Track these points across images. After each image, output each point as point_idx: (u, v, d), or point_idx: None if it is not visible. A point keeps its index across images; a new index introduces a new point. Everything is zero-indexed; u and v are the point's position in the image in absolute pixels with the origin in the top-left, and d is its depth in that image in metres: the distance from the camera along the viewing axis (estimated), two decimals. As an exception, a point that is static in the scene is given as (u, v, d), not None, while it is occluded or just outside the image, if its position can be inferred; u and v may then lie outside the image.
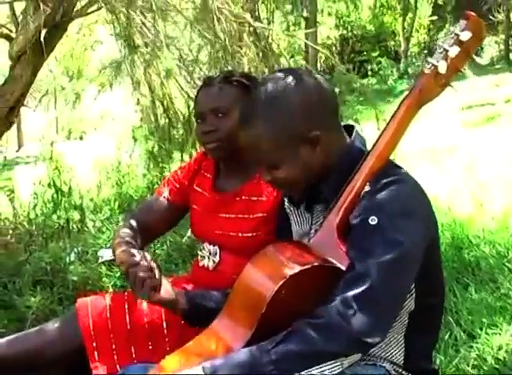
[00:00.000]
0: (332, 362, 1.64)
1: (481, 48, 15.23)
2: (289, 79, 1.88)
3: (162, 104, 4.41)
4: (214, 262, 2.39)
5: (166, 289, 2.00)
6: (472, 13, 1.82)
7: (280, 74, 1.92)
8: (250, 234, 2.33)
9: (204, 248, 2.46)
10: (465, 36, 1.79)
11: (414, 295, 1.83)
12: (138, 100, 4.72)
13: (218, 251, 2.39)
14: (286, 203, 2.12)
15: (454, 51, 1.79)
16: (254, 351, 1.66)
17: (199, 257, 2.48)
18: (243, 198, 2.38)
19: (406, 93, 1.87)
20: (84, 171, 6.80)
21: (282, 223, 2.15)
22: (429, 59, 1.82)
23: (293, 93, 1.85)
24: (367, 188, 1.80)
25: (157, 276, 1.96)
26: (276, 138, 1.84)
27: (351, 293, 1.65)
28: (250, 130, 1.89)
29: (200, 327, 2.31)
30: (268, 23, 6.13)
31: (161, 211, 2.51)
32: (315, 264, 1.75)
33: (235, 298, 1.92)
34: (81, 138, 12.67)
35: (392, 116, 1.85)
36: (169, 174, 2.67)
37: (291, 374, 1.61)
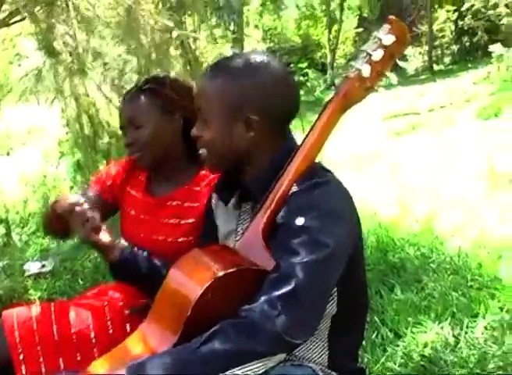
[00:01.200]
0: (256, 362, 1.62)
1: (406, 59, 15.51)
2: (268, 61, 1.91)
3: (87, 114, 4.37)
4: None
5: (105, 234, 2.07)
6: (395, 18, 1.84)
7: (265, 55, 1.94)
8: (180, 240, 2.34)
9: None
10: (388, 40, 1.81)
11: (335, 299, 1.84)
12: (62, 110, 4.66)
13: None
14: (213, 200, 2.13)
15: (378, 55, 1.81)
16: (180, 350, 1.66)
17: None
18: (175, 203, 2.38)
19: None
20: (11, 186, 6.69)
21: (208, 225, 2.16)
22: (353, 63, 1.83)
23: (261, 72, 1.87)
24: (294, 189, 1.80)
25: (98, 220, 2.02)
26: (221, 97, 1.87)
27: (276, 293, 1.64)
28: (207, 77, 1.93)
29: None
30: (194, 39, 6.14)
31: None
32: (241, 267, 1.75)
33: (161, 301, 1.90)
34: (8, 154, 12.39)
35: (317, 119, 1.86)
36: (102, 169, 2.63)
37: (215, 373, 1.59)
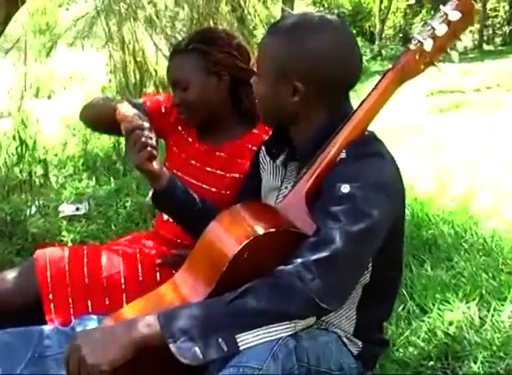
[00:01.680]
0: (286, 323, 1.64)
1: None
2: (331, 27, 1.85)
3: (135, 60, 4.36)
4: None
5: (158, 163, 2.04)
6: None
7: (330, 20, 1.86)
8: (222, 192, 2.35)
9: None
10: (454, 16, 1.77)
11: (370, 269, 1.85)
12: (110, 55, 4.66)
13: None
14: (262, 154, 2.14)
15: (442, 30, 1.78)
16: (212, 303, 1.67)
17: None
18: (223, 154, 2.39)
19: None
20: (51, 128, 6.74)
21: (251, 178, 2.17)
22: (416, 36, 1.80)
23: (317, 39, 1.82)
24: (343, 155, 1.80)
25: (157, 148, 2.01)
26: (272, 57, 1.86)
27: (312, 257, 1.65)
28: (267, 33, 1.91)
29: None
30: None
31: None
32: (281, 228, 1.76)
33: (198, 252, 1.91)
34: (49, 97, 12.49)
35: (373, 88, 1.83)
36: (159, 94, 2.61)
37: (246, 330, 1.61)
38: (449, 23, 1.78)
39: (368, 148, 1.79)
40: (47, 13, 8.01)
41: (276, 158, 2.02)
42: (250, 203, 1.98)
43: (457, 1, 1.79)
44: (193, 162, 2.42)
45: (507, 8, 16.46)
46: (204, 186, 2.36)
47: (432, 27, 1.78)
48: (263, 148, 2.12)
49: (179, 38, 4.18)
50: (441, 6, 1.81)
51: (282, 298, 1.63)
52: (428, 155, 6.35)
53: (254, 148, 2.30)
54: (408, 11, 16.97)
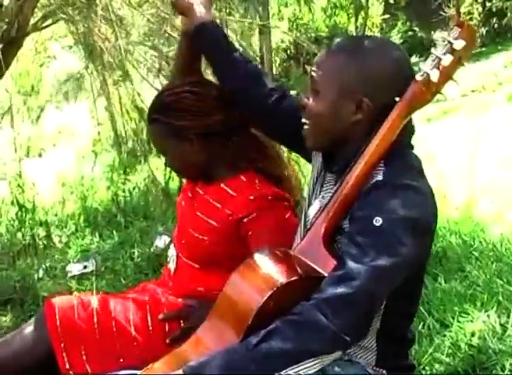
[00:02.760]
0: (313, 359, 1.63)
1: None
2: (393, 47, 1.91)
3: (123, 116, 4.40)
4: (173, 268, 2.39)
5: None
6: (466, 21, 1.80)
7: (387, 41, 2.02)
8: (198, 235, 2.29)
9: (170, 249, 2.46)
10: (459, 44, 1.76)
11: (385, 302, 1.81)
12: (96, 113, 4.71)
13: (175, 257, 2.38)
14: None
15: (447, 59, 1.77)
16: (236, 349, 1.66)
17: (169, 257, 2.46)
18: (206, 197, 2.35)
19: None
20: (46, 187, 6.75)
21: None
22: (422, 66, 1.79)
23: (385, 57, 1.84)
24: (379, 177, 1.77)
25: None
26: (339, 74, 1.85)
27: (336, 292, 1.64)
28: (330, 51, 1.92)
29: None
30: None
31: None
32: (302, 275, 1.74)
33: (220, 308, 1.88)
34: (40, 155, 12.53)
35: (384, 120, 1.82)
36: None
37: (273, 373, 1.60)
38: (453, 51, 1.77)
39: (409, 179, 1.77)
40: (29, 74, 8.07)
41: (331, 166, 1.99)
42: (269, 251, 1.91)
43: (460, 28, 1.78)
44: (198, 190, 2.41)
45: (481, 9, 16.57)
46: (190, 230, 2.33)
47: (438, 57, 1.77)
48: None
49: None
50: (445, 35, 1.80)
51: (305, 336, 1.62)
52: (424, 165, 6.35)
53: (239, 197, 2.26)
54: (384, 25, 17.07)
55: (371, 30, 17.38)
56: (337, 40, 1.96)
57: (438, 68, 1.77)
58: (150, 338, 2.23)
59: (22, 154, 8.83)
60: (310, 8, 14.97)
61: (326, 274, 1.72)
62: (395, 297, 1.77)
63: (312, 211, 1.96)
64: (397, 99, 1.79)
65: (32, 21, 4.30)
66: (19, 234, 5.22)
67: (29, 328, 2.31)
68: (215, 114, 2.27)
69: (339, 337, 1.61)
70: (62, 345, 2.20)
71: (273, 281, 1.72)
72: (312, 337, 1.61)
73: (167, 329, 2.25)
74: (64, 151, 10.73)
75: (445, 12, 16.15)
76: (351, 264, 1.66)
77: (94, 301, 2.32)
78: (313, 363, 1.63)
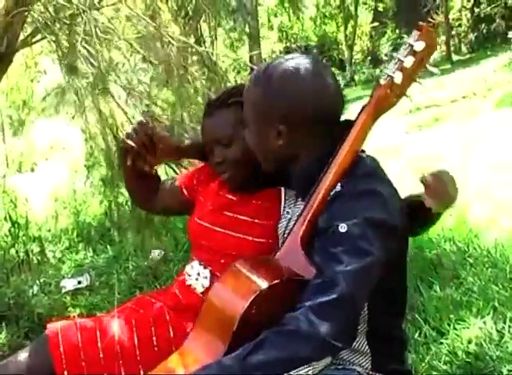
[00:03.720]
0: (305, 366, 1.63)
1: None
2: (301, 65, 1.90)
3: (111, 130, 4.39)
4: (203, 286, 2.31)
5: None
6: (424, 24, 1.84)
7: (298, 59, 1.93)
8: (256, 240, 2.26)
9: (192, 267, 2.41)
10: (419, 46, 1.81)
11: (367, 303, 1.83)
12: (83, 127, 4.70)
13: (208, 275, 2.31)
14: None
15: (409, 61, 1.81)
16: (227, 362, 1.66)
17: (186, 275, 2.39)
18: (259, 202, 2.32)
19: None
20: (39, 202, 6.73)
21: None
22: (385, 70, 1.84)
23: (291, 80, 1.87)
24: (338, 188, 1.81)
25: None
26: (253, 106, 1.93)
27: (319, 300, 1.65)
28: (246, 86, 1.99)
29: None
30: (212, 42, 6.14)
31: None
32: (283, 278, 1.76)
33: (205, 317, 1.91)
34: (32, 170, 12.51)
35: (352, 125, 1.86)
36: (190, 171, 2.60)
37: None
38: (414, 53, 1.82)
39: (365, 185, 1.79)
40: (19, 89, 8.07)
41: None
42: (249, 258, 1.98)
43: (419, 31, 1.83)
44: (226, 213, 2.38)
45: (469, 15, 16.65)
46: (239, 235, 2.29)
47: (400, 60, 1.82)
48: None
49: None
50: (405, 38, 1.87)
51: (294, 344, 1.63)
52: (412, 173, 6.36)
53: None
54: (373, 33, 17.14)
55: (360, 39, 17.51)
56: (254, 70, 2.03)
57: (400, 70, 1.82)
58: (155, 357, 2.19)
59: (14, 169, 8.82)
60: (299, 18, 15.02)
61: (306, 276, 1.75)
62: (375, 297, 1.79)
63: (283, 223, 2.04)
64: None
65: (21, 37, 4.30)
66: (13, 250, 5.19)
67: (29, 353, 2.26)
68: None
69: (327, 343, 1.63)
70: (66, 373, 2.16)
71: (255, 286, 1.75)
72: (301, 345, 1.62)
73: (174, 348, 2.23)
74: (56, 165, 10.70)
75: (434, 19, 16.20)
76: (328, 272, 1.68)
77: (96, 325, 2.28)
78: (305, 370, 1.64)
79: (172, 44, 4.09)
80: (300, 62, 1.91)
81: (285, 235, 1.95)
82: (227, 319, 1.76)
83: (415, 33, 1.83)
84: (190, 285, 2.35)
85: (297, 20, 15.84)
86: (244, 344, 1.67)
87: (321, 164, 1.86)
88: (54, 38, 3.83)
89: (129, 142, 2.32)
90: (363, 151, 1.91)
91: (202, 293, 2.32)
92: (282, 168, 1.98)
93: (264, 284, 1.74)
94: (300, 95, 1.86)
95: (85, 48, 3.75)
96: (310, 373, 1.65)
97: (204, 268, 2.33)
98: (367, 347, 1.89)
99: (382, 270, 1.76)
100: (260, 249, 2.20)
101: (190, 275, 2.37)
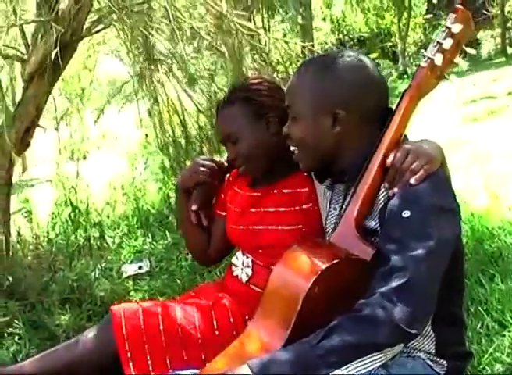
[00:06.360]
0: (377, 353, 1.69)
1: (478, 44, 15.16)
2: (354, 56, 1.98)
3: (178, 117, 4.43)
4: (247, 275, 2.39)
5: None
6: (459, 6, 1.92)
7: (349, 52, 2.01)
8: (293, 227, 2.31)
9: (237, 258, 2.47)
10: (456, 28, 1.89)
11: None
12: (150, 114, 4.75)
13: (250, 263, 2.39)
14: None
15: (448, 43, 1.89)
16: (300, 347, 1.71)
17: (233, 265, 2.48)
18: (284, 191, 2.37)
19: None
20: (96, 189, 6.81)
21: None
22: (425, 53, 1.91)
23: (348, 69, 1.95)
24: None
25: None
26: (309, 93, 1.96)
27: (390, 286, 1.70)
28: (297, 74, 2.03)
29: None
30: (265, 32, 6.15)
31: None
32: (342, 257, 1.82)
33: (268, 299, 1.95)
34: (84, 158, 12.66)
35: (394, 111, 1.93)
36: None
37: (337, 367, 1.65)
38: (453, 35, 1.90)
39: None
40: (80, 77, 8.19)
41: (322, 181, 2.10)
42: (306, 240, 2.04)
43: (455, 14, 1.91)
44: (252, 210, 2.43)
45: (525, 7, 16.33)
46: (271, 227, 2.35)
47: (439, 43, 1.90)
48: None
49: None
50: (443, 22, 1.96)
51: (369, 330, 1.67)
52: (471, 167, 6.32)
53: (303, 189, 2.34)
54: (427, 25, 16.92)
55: (413, 30, 17.33)
56: (303, 62, 2.10)
57: (440, 52, 1.89)
58: (217, 342, 2.24)
59: (66, 156, 8.93)
60: (359, 10, 14.92)
61: (363, 256, 1.81)
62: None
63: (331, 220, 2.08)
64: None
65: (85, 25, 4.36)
66: (73, 235, 5.30)
67: (93, 334, 2.36)
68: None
69: (400, 329, 1.67)
70: (129, 355, 2.23)
71: (317, 266, 1.80)
72: (374, 330, 1.67)
73: (234, 332, 2.27)
74: (110, 153, 10.82)
75: (488, 11, 15.99)
76: (396, 258, 1.73)
77: (158, 309, 2.35)
78: (377, 357, 1.69)
79: (238, 32, 4.11)
80: (353, 53, 2.00)
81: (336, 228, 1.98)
82: (291, 301, 1.81)
83: (451, 15, 1.91)
84: (237, 275, 2.41)
85: (352, 12, 15.76)
86: (308, 327, 1.73)
87: (370, 150, 1.92)
88: (121, 26, 3.88)
89: (200, 176, 2.45)
90: (405, 137, 1.97)
91: (247, 282, 2.37)
92: (325, 164, 2.03)
93: (324, 264, 1.79)
94: (362, 82, 1.94)
95: (153, 35, 3.79)
96: (381, 360, 1.70)
97: (247, 257, 2.41)
98: (431, 330, 1.93)
99: (450, 251, 1.82)
100: (292, 236, 2.24)
101: (236, 265, 2.44)
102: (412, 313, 1.69)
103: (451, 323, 1.99)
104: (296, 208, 2.32)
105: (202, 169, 2.46)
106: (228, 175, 2.57)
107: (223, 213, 2.55)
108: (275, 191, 2.38)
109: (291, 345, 1.75)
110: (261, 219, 2.38)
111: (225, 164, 2.49)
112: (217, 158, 2.61)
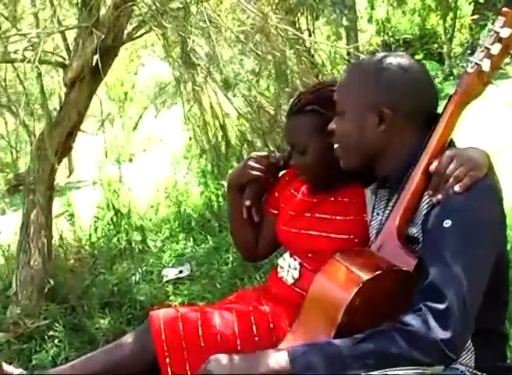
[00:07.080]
0: (413, 368, 1.65)
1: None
2: (405, 58, 1.97)
3: (219, 122, 4.44)
4: (293, 277, 2.37)
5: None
6: (508, 10, 1.84)
7: (399, 53, 2.02)
8: (343, 236, 2.29)
9: (284, 259, 2.45)
10: (505, 33, 1.82)
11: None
12: (187, 117, 4.77)
13: (298, 266, 2.36)
14: None
15: (496, 48, 1.82)
16: (339, 343, 1.70)
17: (278, 267, 2.46)
18: (339, 199, 2.36)
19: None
20: (139, 192, 6.85)
21: None
22: (472, 58, 1.85)
23: (398, 69, 1.93)
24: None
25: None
26: (357, 91, 1.96)
27: (434, 305, 1.67)
28: (347, 72, 2.05)
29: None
30: (310, 35, 6.14)
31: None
32: (384, 269, 1.79)
33: (308, 309, 1.93)
34: (130, 160, 12.79)
35: (440, 116, 1.89)
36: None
37: (371, 370, 1.64)
38: (500, 39, 1.83)
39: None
40: (123, 82, 8.27)
41: (366, 185, 2.11)
42: (348, 251, 2.02)
43: (504, 17, 1.82)
44: (306, 214, 2.40)
45: None
46: (322, 234, 2.33)
47: (486, 47, 1.83)
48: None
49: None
50: (490, 25, 1.88)
51: (409, 344, 1.64)
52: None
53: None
54: (473, 26, 16.73)
55: (460, 31, 17.14)
56: (353, 63, 2.08)
57: (488, 58, 1.83)
58: (256, 347, 2.19)
59: (112, 159, 9.03)
60: (403, 11, 14.83)
61: (406, 267, 1.78)
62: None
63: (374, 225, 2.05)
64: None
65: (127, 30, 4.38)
66: (115, 239, 5.32)
67: (132, 339, 2.35)
68: None
69: (440, 350, 1.64)
70: (168, 360, 2.23)
71: (358, 278, 1.77)
72: (415, 345, 1.64)
73: (274, 338, 2.25)
74: (154, 156, 10.88)
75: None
76: (437, 275, 1.70)
77: (197, 314, 2.33)
78: (414, 372, 1.66)
79: (279, 36, 4.09)
80: (403, 55, 2.00)
81: (378, 236, 1.96)
82: (331, 312, 1.79)
83: (500, 19, 1.83)
84: (282, 277, 2.38)
85: (397, 13, 15.65)
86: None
87: (414, 155, 1.88)
88: (161, 31, 3.89)
89: (254, 173, 2.45)
90: (452, 142, 1.93)
91: (293, 284, 2.35)
92: (366, 164, 2.00)
93: (366, 276, 1.77)
94: (411, 83, 1.91)
95: (193, 40, 3.79)
96: (419, 372, 1.67)
97: (295, 260, 2.38)
98: (470, 343, 1.87)
99: (491, 266, 1.77)
100: (343, 245, 2.21)
101: (282, 267, 2.42)
102: (455, 335, 1.65)
103: (492, 337, 1.95)
104: (351, 217, 2.30)
105: (257, 165, 2.47)
106: (283, 173, 2.56)
107: (275, 212, 2.54)
108: (332, 199, 2.37)
109: (331, 340, 1.75)
110: (315, 225, 2.37)
111: (281, 162, 2.49)
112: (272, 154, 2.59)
